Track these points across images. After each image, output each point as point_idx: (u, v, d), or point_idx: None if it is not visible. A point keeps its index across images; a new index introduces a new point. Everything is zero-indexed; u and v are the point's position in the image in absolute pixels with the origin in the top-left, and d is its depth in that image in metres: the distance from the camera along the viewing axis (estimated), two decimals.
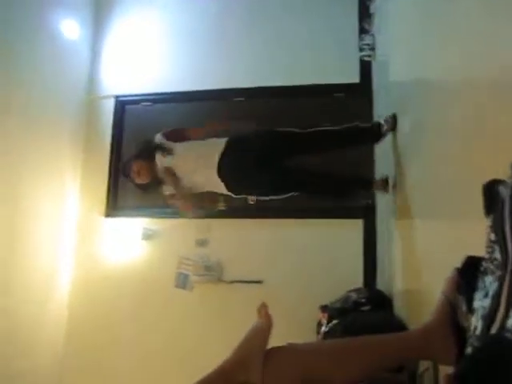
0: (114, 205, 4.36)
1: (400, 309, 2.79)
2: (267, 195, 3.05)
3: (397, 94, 2.75)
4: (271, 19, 4.39)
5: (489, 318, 0.87)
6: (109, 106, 4.54)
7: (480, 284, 0.97)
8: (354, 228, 3.85)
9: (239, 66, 4.35)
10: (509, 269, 0.84)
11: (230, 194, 2.98)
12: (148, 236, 4.16)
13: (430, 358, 1.40)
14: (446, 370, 1.11)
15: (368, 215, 3.84)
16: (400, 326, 2.45)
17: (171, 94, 4.46)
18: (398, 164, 2.70)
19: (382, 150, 3.29)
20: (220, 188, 2.95)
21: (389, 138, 2.85)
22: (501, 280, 0.86)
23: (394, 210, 2.92)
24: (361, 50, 3.86)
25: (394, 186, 2.73)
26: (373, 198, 3.81)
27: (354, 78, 4.11)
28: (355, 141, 2.99)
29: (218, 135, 3.02)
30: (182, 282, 3.90)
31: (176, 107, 4.46)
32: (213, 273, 3.94)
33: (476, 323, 0.93)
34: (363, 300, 3.05)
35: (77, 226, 4.32)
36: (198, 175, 2.95)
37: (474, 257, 1.05)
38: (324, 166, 3.04)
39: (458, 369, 0.93)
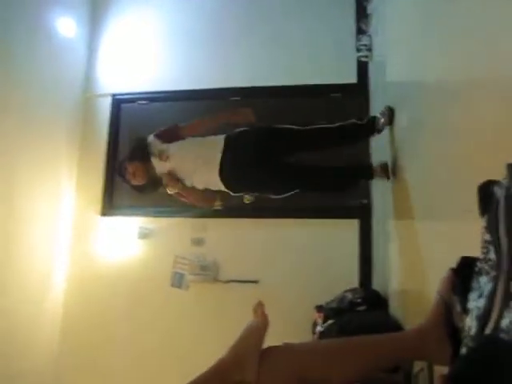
0: (110, 203, 4.35)
1: (395, 309, 2.80)
2: (267, 193, 3.03)
3: (394, 95, 2.76)
4: (268, 19, 4.38)
5: (483, 319, 0.87)
6: (105, 105, 4.52)
7: (475, 284, 0.97)
8: (349, 228, 3.85)
9: (236, 65, 4.34)
10: (503, 269, 0.84)
11: (228, 191, 2.95)
12: (144, 235, 4.16)
13: (425, 359, 1.41)
14: (441, 370, 1.11)
15: (364, 215, 3.84)
16: (395, 326, 2.46)
17: (167, 92, 4.45)
18: (396, 162, 2.70)
19: (379, 151, 3.29)
20: (220, 186, 2.91)
21: (386, 135, 2.86)
22: (495, 280, 0.86)
23: (391, 209, 2.92)
24: (358, 50, 3.86)
25: (394, 172, 2.72)
26: (369, 197, 3.82)
27: (351, 78, 4.11)
28: (353, 137, 2.98)
29: (215, 132, 2.96)
30: (178, 281, 3.89)
31: (172, 106, 4.45)
32: (209, 272, 3.93)
33: (471, 323, 0.94)
34: (359, 300, 3.06)
35: (72, 225, 4.31)
36: (197, 175, 2.91)
37: (468, 257, 1.05)
38: (322, 161, 3.01)
39: (453, 369, 0.93)
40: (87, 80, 4.57)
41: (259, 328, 1.25)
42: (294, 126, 2.87)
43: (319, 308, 3.20)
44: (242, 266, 3.95)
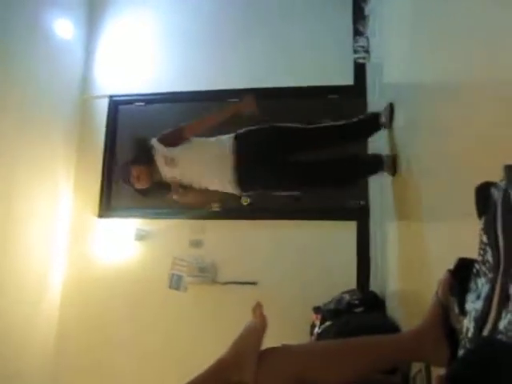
0: (107, 205, 4.34)
1: (393, 310, 2.80)
2: (277, 191, 2.99)
3: (391, 96, 2.76)
4: (265, 20, 4.39)
5: (481, 320, 0.87)
6: (102, 106, 4.52)
7: (472, 286, 0.97)
8: (347, 229, 3.85)
9: (233, 66, 4.35)
10: (501, 271, 0.84)
11: (238, 191, 2.87)
12: (141, 237, 4.15)
13: (423, 360, 1.41)
14: (439, 371, 1.12)
15: (362, 217, 3.85)
16: (393, 328, 2.46)
17: (165, 94, 4.45)
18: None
19: (378, 152, 3.29)
20: (232, 186, 2.84)
21: (384, 136, 2.86)
22: (493, 282, 0.86)
23: (389, 211, 2.93)
24: (355, 52, 3.87)
25: (393, 173, 2.69)
26: (366, 199, 3.83)
27: (349, 79, 4.12)
28: (358, 133, 2.95)
29: (219, 131, 2.90)
30: (176, 282, 3.89)
31: (170, 108, 4.45)
32: (207, 274, 3.93)
33: (468, 325, 0.94)
34: (356, 301, 3.06)
35: (70, 227, 4.30)
36: (208, 177, 2.85)
37: (466, 259, 1.05)
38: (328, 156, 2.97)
39: (450, 370, 0.93)
40: (84, 81, 4.57)
41: (258, 329, 1.25)
42: (300, 125, 2.83)
43: (317, 309, 3.20)
44: (240, 267, 3.95)
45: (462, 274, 1.03)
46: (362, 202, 3.86)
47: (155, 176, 2.90)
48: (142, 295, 4.01)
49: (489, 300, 0.86)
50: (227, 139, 2.84)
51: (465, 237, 1.18)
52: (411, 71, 2.27)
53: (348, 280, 3.65)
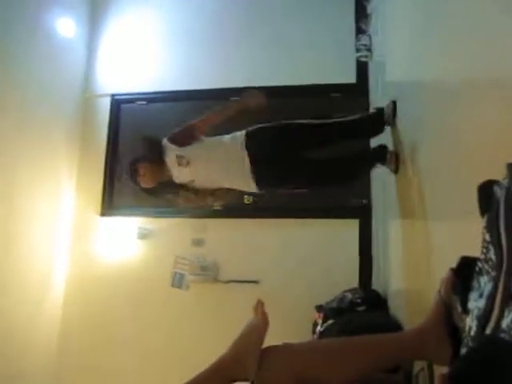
0: (110, 204, 4.35)
1: (395, 309, 2.80)
2: (290, 188, 2.97)
3: (393, 94, 2.76)
4: (268, 19, 4.39)
5: (484, 319, 0.87)
6: (104, 105, 4.52)
7: (475, 284, 0.97)
8: (350, 228, 3.85)
9: (235, 65, 4.34)
10: (504, 269, 0.84)
11: (255, 188, 2.80)
12: (143, 235, 4.16)
13: (425, 359, 1.41)
14: (441, 370, 1.11)
15: (364, 215, 3.85)
16: (395, 326, 2.46)
17: (167, 93, 4.45)
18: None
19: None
20: (250, 183, 2.78)
21: (386, 136, 2.86)
22: (495, 280, 0.86)
23: (391, 209, 2.92)
24: (357, 50, 3.86)
25: (395, 172, 2.68)
26: (369, 197, 3.82)
27: (351, 78, 4.11)
28: (366, 130, 2.92)
29: (228, 127, 2.86)
30: (178, 281, 3.90)
31: (172, 106, 4.45)
32: (209, 272, 3.94)
33: (471, 324, 0.94)
34: (359, 300, 3.06)
35: (72, 225, 4.31)
36: (224, 175, 2.80)
37: (468, 257, 1.05)
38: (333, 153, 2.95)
39: (453, 369, 0.93)
40: (86, 80, 4.57)
41: (259, 326, 1.25)
42: (311, 121, 2.78)
43: (319, 308, 3.20)
44: (242, 266, 3.95)
45: (465, 272, 1.02)
46: (364, 201, 3.85)
47: (161, 176, 2.85)
48: (144, 294, 4.02)
49: (492, 298, 0.86)
50: (239, 136, 2.78)
51: (467, 235, 1.18)
52: (413, 70, 2.26)
53: (350, 278, 3.64)
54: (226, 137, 2.84)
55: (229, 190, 2.94)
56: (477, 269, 0.97)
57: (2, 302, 3.48)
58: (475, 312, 0.92)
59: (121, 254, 4.17)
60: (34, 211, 3.85)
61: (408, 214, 2.42)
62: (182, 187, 2.89)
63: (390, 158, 2.67)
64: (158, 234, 4.15)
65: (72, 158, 4.37)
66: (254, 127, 2.82)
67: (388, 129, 2.82)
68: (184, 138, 2.80)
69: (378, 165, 2.81)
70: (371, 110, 2.92)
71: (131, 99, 4.54)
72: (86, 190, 4.36)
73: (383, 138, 2.92)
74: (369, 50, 3.77)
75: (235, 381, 1.12)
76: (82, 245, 4.25)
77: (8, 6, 3.63)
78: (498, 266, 0.86)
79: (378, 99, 3.44)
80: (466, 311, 0.99)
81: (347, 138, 2.88)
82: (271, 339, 1.22)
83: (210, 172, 2.80)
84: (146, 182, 2.87)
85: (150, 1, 4.69)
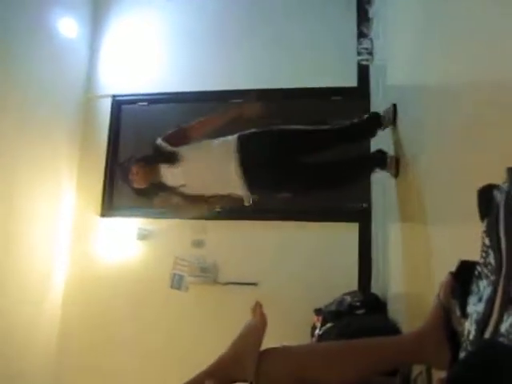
0: (110, 204, 4.35)
1: (394, 312, 2.79)
2: (283, 193, 2.97)
3: (394, 98, 2.76)
4: (270, 21, 4.39)
5: (482, 323, 0.87)
6: (106, 106, 4.53)
7: (474, 288, 0.97)
8: (349, 231, 3.85)
9: (237, 67, 4.35)
10: (503, 273, 0.84)
11: (245, 192, 2.80)
12: (143, 236, 4.16)
13: (424, 362, 1.40)
14: (440, 374, 1.11)
15: (364, 219, 3.84)
16: (394, 330, 2.46)
17: (168, 94, 4.45)
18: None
19: None
20: (239, 187, 2.77)
21: (387, 138, 2.86)
22: (495, 285, 0.86)
23: (391, 213, 2.92)
24: (359, 53, 3.87)
25: (396, 175, 2.68)
26: (369, 201, 3.82)
27: (352, 81, 4.11)
28: (362, 133, 2.94)
29: (223, 132, 2.85)
30: (177, 282, 3.89)
31: (173, 108, 4.45)
32: (208, 274, 3.93)
33: (470, 328, 0.94)
34: (358, 303, 3.05)
35: (72, 226, 4.31)
36: (212, 177, 2.77)
37: (468, 261, 1.05)
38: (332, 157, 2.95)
39: (451, 373, 0.93)
40: (88, 81, 4.57)
41: (258, 327, 1.26)
42: (306, 127, 2.79)
43: (318, 311, 3.20)
44: (241, 268, 3.95)
45: (464, 276, 1.02)
46: (364, 205, 3.85)
47: (154, 177, 2.84)
48: (143, 294, 4.01)
49: (491, 302, 0.86)
50: (231, 139, 2.79)
51: (467, 239, 1.18)
52: (415, 73, 2.27)
53: (349, 282, 3.64)
54: (219, 139, 2.85)
55: (223, 196, 2.90)
56: (476, 273, 0.97)
57: (2, 302, 3.47)
58: (474, 316, 0.92)
59: (120, 254, 4.17)
60: (34, 211, 3.85)
61: (408, 218, 2.42)
62: (174, 191, 2.86)
63: (390, 162, 2.68)
64: (157, 235, 4.15)
65: (72, 158, 4.37)
66: (247, 132, 2.82)
67: (388, 132, 2.82)
68: (178, 138, 2.83)
69: (378, 170, 2.81)
70: (365, 116, 2.92)
71: (132, 100, 4.55)
72: (87, 191, 4.36)
73: (384, 142, 2.92)
74: (370, 53, 3.77)
75: (234, 381, 1.12)
76: (82, 245, 4.25)
77: (9, 6, 3.63)
78: (497, 271, 0.86)
79: (378, 103, 3.44)
80: (464, 315, 0.99)
81: (342, 142, 2.89)
82: (270, 342, 1.22)
83: (201, 173, 2.78)
84: (136, 182, 2.85)
85: (152, 2, 4.69)
